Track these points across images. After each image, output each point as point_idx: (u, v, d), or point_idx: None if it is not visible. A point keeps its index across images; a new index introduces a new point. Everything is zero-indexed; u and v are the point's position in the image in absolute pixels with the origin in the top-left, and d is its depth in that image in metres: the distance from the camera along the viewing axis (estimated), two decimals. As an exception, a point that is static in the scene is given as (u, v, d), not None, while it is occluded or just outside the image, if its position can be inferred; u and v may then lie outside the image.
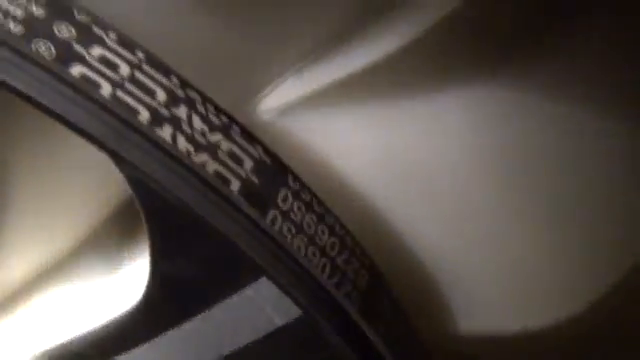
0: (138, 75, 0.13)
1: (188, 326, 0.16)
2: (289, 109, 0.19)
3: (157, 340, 0.17)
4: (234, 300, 0.16)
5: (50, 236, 0.22)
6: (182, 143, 0.13)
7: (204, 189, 0.13)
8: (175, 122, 0.13)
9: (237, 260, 0.15)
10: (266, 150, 0.15)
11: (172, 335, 0.17)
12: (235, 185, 0.14)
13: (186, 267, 0.15)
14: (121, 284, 0.23)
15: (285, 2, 0.18)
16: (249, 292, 0.16)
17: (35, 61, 0.12)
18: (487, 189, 0.18)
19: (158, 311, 0.16)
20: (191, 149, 0.13)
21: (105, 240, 0.23)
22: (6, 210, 0.20)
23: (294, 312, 0.16)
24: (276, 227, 0.14)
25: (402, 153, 0.18)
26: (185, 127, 0.13)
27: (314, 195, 0.15)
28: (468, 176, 0.18)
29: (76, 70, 0.13)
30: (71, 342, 0.18)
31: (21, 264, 0.22)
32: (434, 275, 0.19)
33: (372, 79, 0.17)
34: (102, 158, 0.21)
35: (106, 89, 0.13)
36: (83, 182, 0.21)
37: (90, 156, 0.20)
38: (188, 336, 0.17)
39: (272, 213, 0.14)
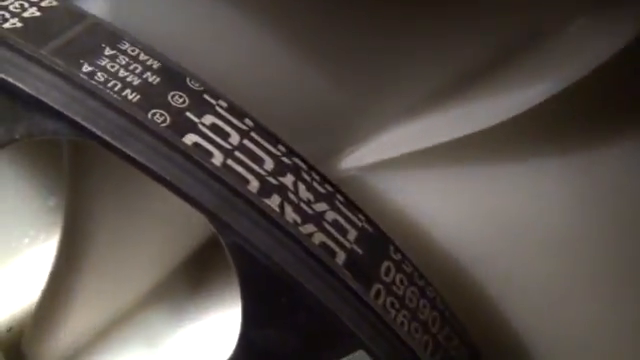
0: (247, 143, 0.13)
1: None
2: (377, 168, 0.19)
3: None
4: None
5: (124, 282, 0.22)
6: (289, 213, 0.13)
7: (310, 261, 0.13)
8: (282, 191, 0.13)
9: (332, 332, 0.14)
10: (368, 219, 0.14)
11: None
12: (340, 257, 0.13)
13: (277, 336, 0.15)
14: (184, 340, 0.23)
15: (399, 50, 0.17)
16: (344, 365, 0.15)
17: (151, 130, 0.12)
18: (589, 267, 0.17)
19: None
20: (298, 219, 0.13)
21: (171, 293, 0.22)
22: (83, 258, 0.20)
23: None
24: (379, 301, 0.14)
25: (495, 223, 0.18)
26: (292, 196, 0.13)
27: (415, 267, 0.15)
28: (569, 249, 0.17)
29: (189, 139, 0.13)
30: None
31: (91, 314, 0.22)
32: (528, 355, 0.18)
33: (475, 143, 0.17)
34: (174, 210, 0.21)
35: (218, 158, 0.13)
36: (154, 234, 0.21)
37: (163, 209, 0.21)
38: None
39: (376, 287, 0.14)
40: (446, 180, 0.18)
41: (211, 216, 0.12)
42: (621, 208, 0.17)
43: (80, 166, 0.19)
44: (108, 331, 0.22)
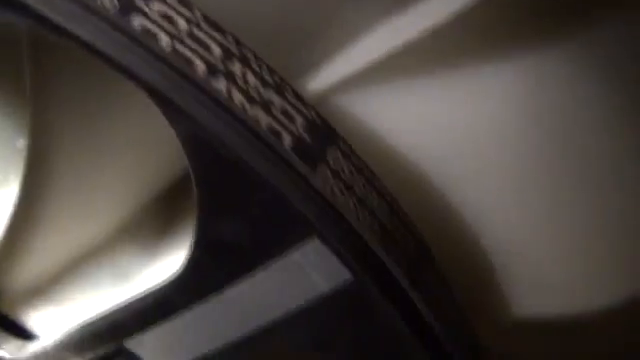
0: (195, 31, 0.14)
1: (230, 293, 0.17)
2: (339, 87, 0.19)
3: (198, 308, 0.17)
4: (279, 264, 0.16)
5: (90, 217, 0.22)
6: (237, 97, 0.13)
7: (257, 142, 0.13)
8: (230, 77, 0.14)
9: (285, 219, 0.15)
10: (317, 112, 0.15)
11: (214, 302, 0.17)
12: (287, 140, 0.14)
13: (233, 227, 0.15)
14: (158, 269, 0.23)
15: None
16: (295, 256, 0.16)
17: (98, 12, 0.13)
18: (544, 159, 0.18)
19: (201, 276, 0.16)
20: (245, 103, 0.13)
21: (144, 225, 0.23)
22: (48, 190, 0.21)
23: (341, 277, 0.15)
24: (327, 185, 0.14)
25: (454, 125, 0.18)
26: (240, 82, 0.14)
27: (362, 160, 0.16)
28: (524, 146, 0.17)
29: (137, 22, 0.13)
30: (111, 313, 0.18)
31: (61, 244, 0.22)
32: (485, 255, 0.19)
33: (424, 50, 0.17)
34: (141, 143, 0.21)
35: (165, 41, 0.13)
36: (125, 164, 0.21)
37: (130, 142, 0.21)
38: (230, 303, 0.17)
39: (322, 171, 0.14)
40: (402, 93, 0.19)
41: (160, 97, 0.13)
42: (565, 114, 0.17)
43: (42, 92, 0.19)
44: (76, 265, 0.23)
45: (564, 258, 0.18)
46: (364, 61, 0.18)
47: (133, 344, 0.18)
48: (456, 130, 0.18)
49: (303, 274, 0.16)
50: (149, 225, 0.23)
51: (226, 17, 0.15)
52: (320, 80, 0.19)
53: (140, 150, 0.21)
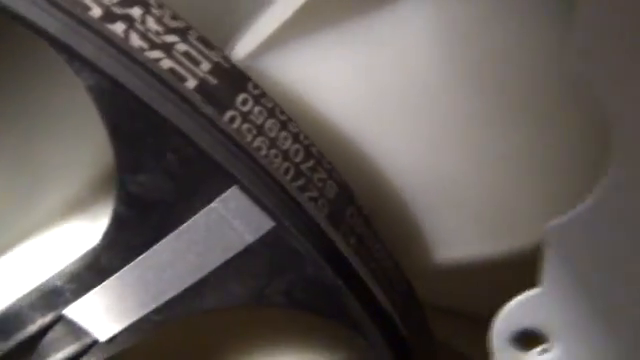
0: (91, -23, 0.14)
1: (159, 248, 0.16)
2: (262, 52, 0.19)
3: (130, 268, 0.17)
4: (202, 217, 0.16)
5: (34, 195, 0.22)
6: (135, 39, 0.13)
7: (157, 84, 0.13)
8: (128, 20, 0.14)
9: (201, 169, 0.15)
10: (225, 57, 0.15)
11: (145, 260, 0.17)
12: (191, 83, 0.14)
13: (151, 181, 0.15)
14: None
15: None
16: (217, 206, 0.16)
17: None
18: (459, 107, 0.18)
19: (128, 233, 0.16)
20: (145, 45, 0.13)
21: (91, 206, 0.23)
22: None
23: (264, 224, 0.15)
24: (234, 126, 0.14)
25: (371, 73, 0.18)
26: (139, 26, 0.14)
27: (276, 103, 0.16)
28: (438, 87, 0.18)
29: (27, -32, 0.13)
30: (46, 282, 0.18)
31: (6, 222, 0.22)
32: (407, 201, 0.19)
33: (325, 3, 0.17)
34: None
35: (57, -14, 0.13)
36: (68, 142, 0.21)
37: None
38: (161, 261, 0.17)
39: (230, 113, 0.14)
40: (318, 47, 0.19)
41: (54, 41, 0.13)
42: (474, 43, 0.17)
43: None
44: (23, 242, 0.22)
45: (482, 199, 0.18)
46: (277, 21, 0.18)
47: (72, 312, 0.18)
48: (373, 76, 0.18)
49: (227, 225, 0.16)
50: (98, 202, 0.23)
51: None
52: (245, 44, 0.20)
53: (84, 125, 0.21)
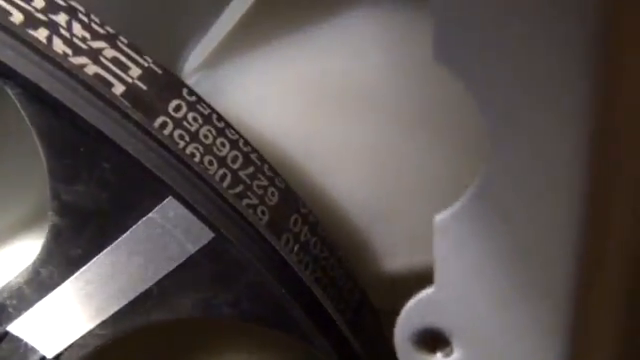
0: (13, -18, 0.13)
1: (99, 261, 0.16)
2: (208, 68, 0.19)
3: (69, 282, 0.16)
4: (140, 228, 0.15)
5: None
6: (58, 45, 0.13)
7: (83, 90, 0.13)
8: (52, 26, 0.13)
9: (137, 178, 0.14)
10: (157, 62, 0.15)
11: (86, 274, 0.16)
12: (118, 89, 0.13)
13: (86, 191, 0.15)
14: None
15: None
16: (155, 216, 0.15)
17: None
18: (396, 115, 0.18)
19: (65, 245, 0.16)
20: (68, 51, 0.13)
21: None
22: None
23: (204, 235, 0.15)
24: (165, 132, 0.14)
25: (316, 84, 0.18)
26: (63, 32, 0.13)
27: (214, 110, 0.15)
28: (381, 101, 0.17)
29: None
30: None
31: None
32: (351, 213, 0.19)
33: (271, 12, 0.17)
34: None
35: (-24, -8, 0.13)
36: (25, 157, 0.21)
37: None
38: (99, 275, 0.16)
39: (161, 119, 0.14)
40: (264, 59, 0.19)
41: (-27, 49, 0.13)
42: (404, 52, 0.17)
43: None
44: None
45: (424, 207, 0.18)
46: (223, 33, 0.18)
47: (17, 328, 0.18)
48: (317, 87, 0.18)
49: (167, 235, 0.15)
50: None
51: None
52: (195, 57, 0.19)
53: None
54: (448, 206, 0.18)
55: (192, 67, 0.20)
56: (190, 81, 0.19)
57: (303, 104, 0.18)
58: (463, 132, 0.18)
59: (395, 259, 0.18)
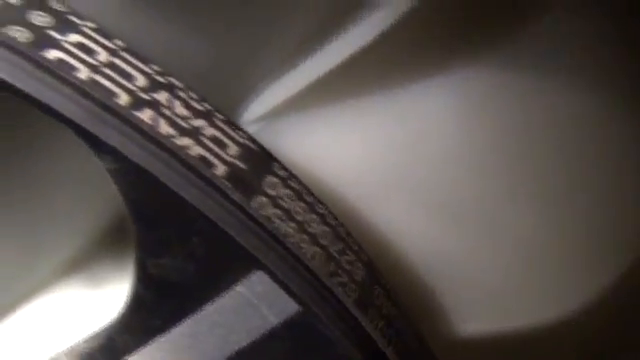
0: (116, 61, 0.13)
1: (178, 331, 0.16)
2: (272, 117, 0.19)
3: (145, 349, 0.16)
4: (226, 299, 0.15)
5: (31, 256, 0.21)
6: (163, 126, 0.13)
7: (187, 172, 0.13)
8: (155, 106, 0.13)
9: (227, 252, 0.14)
10: (251, 138, 0.14)
11: (162, 343, 0.16)
12: (220, 169, 0.13)
13: (174, 262, 0.15)
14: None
15: (255, 5, 0.18)
16: (241, 289, 0.15)
17: (9, 45, 0.12)
18: (480, 177, 0.17)
19: (145, 314, 0.16)
20: (173, 132, 0.13)
21: (92, 263, 0.22)
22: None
23: (290, 308, 0.15)
24: (263, 212, 0.14)
25: (387, 147, 0.18)
26: (166, 111, 0.13)
27: (303, 185, 0.15)
28: (457, 164, 0.17)
29: (52, 54, 0.12)
30: (58, 357, 0.17)
31: (6, 285, 0.21)
32: (428, 275, 0.18)
33: (348, 75, 0.17)
34: (87, 174, 0.20)
35: (83, 72, 0.12)
36: (70, 202, 0.21)
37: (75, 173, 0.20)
38: (178, 344, 0.16)
39: (259, 199, 0.14)
40: (340, 116, 0.19)
41: (81, 131, 0.12)
42: (492, 117, 0.17)
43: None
44: (18, 307, 0.22)
45: (508, 272, 0.18)
46: (293, 90, 0.18)
47: (84, 394, 0.18)
48: (390, 149, 0.18)
49: (251, 308, 0.15)
50: (104, 259, 0.22)
51: (154, 51, 0.15)
52: (253, 110, 0.19)
53: (81, 183, 0.21)
54: (528, 269, 0.18)
55: (253, 117, 0.19)
56: (250, 130, 0.19)
57: (373, 166, 0.18)
58: (544, 196, 0.18)
59: (470, 323, 0.18)
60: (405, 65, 0.17)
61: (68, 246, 0.22)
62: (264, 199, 0.14)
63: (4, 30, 0.12)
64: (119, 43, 0.14)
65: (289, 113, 0.19)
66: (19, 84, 0.12)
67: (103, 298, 0.22)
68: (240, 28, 0.18)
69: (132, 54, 0.14)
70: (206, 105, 0.14)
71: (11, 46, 0.12)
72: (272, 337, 0.16)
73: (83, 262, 0.22)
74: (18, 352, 0.21)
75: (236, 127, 0.14)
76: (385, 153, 0.18)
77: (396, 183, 0.18)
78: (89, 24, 0.13)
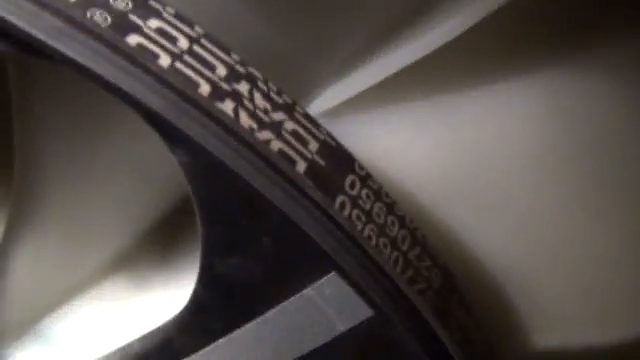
0: (197, 49, 0.12)
1: (240, 334, 0.15)
2: (337, 113, 0.18)
3: (205, 351, 0.16)
4: (293, 303, 0.14)
5: (83, 250, 0.21)
6: (244, 119, 0.12)
7: (267, 168, 0.12)
8: (237, 97, 0.12)
9: (301, 253, 0.13)
10: (329, 134, 0.14)
11: (222, 345, 0.15)
12: (301, 166, 0.13)
13: (242, 263, 0.14)
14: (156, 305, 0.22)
15: (329, 2, 0.17)
16: (310, 293, 0.14)
17: (89, 29, 0.11)
18: (559, 188, 0.16)
19: (207, 317, 0.15)
20: (254, 126, 0.12)
21: (142, 258, 0.22)
22: (35, 221, 0.19)
23: (361, 314, 0.14)
24: (345, 213, 0.13)
25: (459, 151, 0.17)
26: (247, 103, 0.12)
27: (380, 185, 0.14)
28: (536, 173, 0.16)
29: (133, 40, 0.12)
30: (110, 357, 0.17)
31: (50, 278, 0.21)
32: (502, 286, 0.18)
33: (419, 75, 0.16)
34: (137, 169, 0.20)
35: (164, 60, 0.12)
36: (120, 193, 0.20)
37: (129, 167, 0.20)
38: (237, 348, 0.15)
39: (341, 198, 0.13)
40: (411, 116, 0.18)
41: (159, 121, 0.12)
42: (580, 124, 0.16)
43: (28, 118, 0.18)
44: (67, 301, 0.21)
45: (582, 290, 0.17)
46: (361, 87, 0.17)
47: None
48: (462, 153, 0.17)
49: (319, 313, 0.15)
50: (147, 258, 0.22)
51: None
52: (322, 103, 0.19)
53: (136, 177, 0.20)
54: (605, 281, 0.17)
55: (315, 112, 0.19)
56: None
57: (444, 161, 0.17)
58: (624, 211, 0.17)
59: (545, 337, 0.17)
60: (480, 68, 0.16)
61: (116, 241, 0.21)
62: (345, 199, 0.13)
63: (85, 13, 0.11)
64: (199, 30, 0.13)
65: (353, 112, 0.18)
66: (100, 71, 0.11)
67: (148, 297, 0.22)
68: (311, 20, 0.17)
69: (212, 42, 0.13)
70: (286, 98, 0.13)
71: (91, 30, 0.11)
72: (337, 343, 0.15)
73: (129, 261, 0.21)
74: (66, 350, 0.21)
75: (316, 122, 0.14)
76: (459, 156, 0.17)
77: (469, 189, 0.17)
78: (168, 9, 0.13)
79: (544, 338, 0.17)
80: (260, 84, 0.13)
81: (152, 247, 0.22)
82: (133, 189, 0.21)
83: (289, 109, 0.13)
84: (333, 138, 0.14)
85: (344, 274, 0.13)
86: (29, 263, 0.20)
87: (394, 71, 0.17)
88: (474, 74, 0.17)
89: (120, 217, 0.21)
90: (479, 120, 0.17)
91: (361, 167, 0.14)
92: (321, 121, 0.19)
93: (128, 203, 0.21)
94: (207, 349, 0.16)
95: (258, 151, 0.12)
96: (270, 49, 0.17)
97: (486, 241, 0.17)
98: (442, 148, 0.17)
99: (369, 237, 0.13)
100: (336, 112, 0.19)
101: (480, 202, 0.17)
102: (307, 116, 0.13)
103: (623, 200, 0.17)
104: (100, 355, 0.17)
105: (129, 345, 0.17)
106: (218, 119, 0.12)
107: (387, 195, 0.14)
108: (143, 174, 0.20)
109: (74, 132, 0.18)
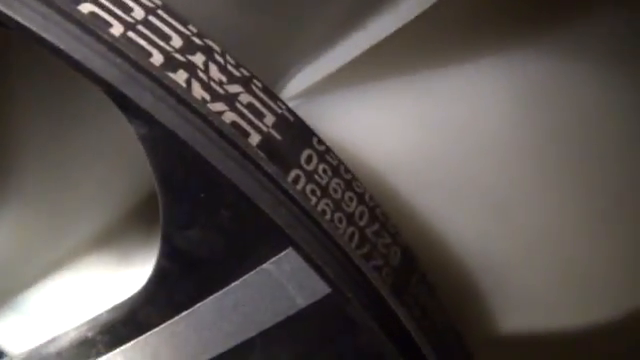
0: (153, 19, 0.12)
1: (202, 307, 0.15)
2: (311, 95, 0.18)
3: (167, 325, 0.16)
4: (252, 278, 0.15)
5: (62, 227, 0.21)
6: (197, 90, 0.12)
7: (219, 139, 0.12)
8: (190, 68, 0.12)
9: (258, 228, 0.13)
10: (289, 109, 0.14)
11: (186, 318, 0.16)
12: (254, 138, 0.13)
13: (201, 237, 0.14)
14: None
15: None
16: (269, 268, 0.14)
17: (42, -3, 0.11)
18: (532, 168, 0.16)
19: (170, 288, 0.15)
20: (207, 97, 0.12)
21: (122, 236, 0.22)
22: (14, 199, 0.20)
23: (319, 290, 0.14)
24: (298, 187, 0.13)
25: (433, 131, 0.17)
26: (201, 75, 0.12)
27: (340, 161, 0.14)
28: (509, 153, 0.16)
29: (85, 8, 0.12)
30: (79, 327, 0.17)
31: (30, 252, 0.21)
32: (471, 269, 0.18)
33: (393, 52, 0.16)
34: (120, 149, 0.20)
35: (117, 29, 0.12)
36: (100, 172, 0.20)
37: (108, 146, 0.20)
38: (201, 320, 0.16)
39: (294, 172, 0.13)
40: (380, 95, 0.18)
41: (112, 90, 0.12)
42: (553, 107, 0.16)
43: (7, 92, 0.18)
44: (47, 276, 0.21)
45: (551, 274, 0.17)
46: (334, 67, 0.17)
47: (105, 365, 0.17)
48: (436, 133, 0.17)
49: (279, 288, 0.15)
50: (131, 236, 0.22)
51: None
52: (293, 85, 0.19)
53: (121, 156, 0.20)
54: (576, 266, 0.17)
55: (291, 93, 0.19)
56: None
57: (418, 140, 0.17)
58: (593, 190, 0.17)
59: (510, 319, 0.17)
60: (454, 45, 0.16)
61: (98, 219, 0.21)
62: (300, 173, 0.13)
63: (37, -20, 0.12)
64: (157, 1, 0.13)
65: (328, 91, 0.18)
66: (51, 38, 0.11)
67: (130, 273, 0.22)
68: (280, 1, 0.17)
69: (169, 13, 0.13)
70: (244, 71, 0.13)
71: (43, -3, 0.11)
72: (298, 318, 0.15)
73: (112, 237, 0.21)
74: (44, 321, 0.21)
75: (275, 97, 0.14)
76: (429, 136, 0.17)
77: (439, 168, 0.17)
78: (126, -20, 0.13)
79: (512, 322, 0.17)
80: (217, 56, 0.13)
81: (138, 225, 0.22)
82: (117, 167, 0.21)
83: (246, 82, 0.13)
84: (292, 113, 0.14)
85: (299, 249, 0.13)
86: (9, 236, 0.20)
87: (366, 48, 0.17)
88: (446, 53, 0.16)
89: (103, 195, 0.21)
90: (451, 99, 0.17)
91: (320, 142, 0.14)
92: (296, 102, 0.19)
93: (112, 181, 0.21)
94: (171, 321, 0.16)
95: (210, 122, 0.12)
96: (241, 31, 0.17)
97: (455, 222, 0.17)
98: (414, 127, 0.17)
99: (323, 211, 0.13)
100: (309, 93, 0.19)
101: (451, 182, 0.17)
102: (266, 89, 0.13)
103: (597, 180, 0.16)
104: (72, 326, 0.18)
105: (99, 315, 0.17)
106: (170, 89, 0.12)
107: (347, 171, 0.14)
108: (128, 152, 0.20)
109: (57, 109, 0.18)
